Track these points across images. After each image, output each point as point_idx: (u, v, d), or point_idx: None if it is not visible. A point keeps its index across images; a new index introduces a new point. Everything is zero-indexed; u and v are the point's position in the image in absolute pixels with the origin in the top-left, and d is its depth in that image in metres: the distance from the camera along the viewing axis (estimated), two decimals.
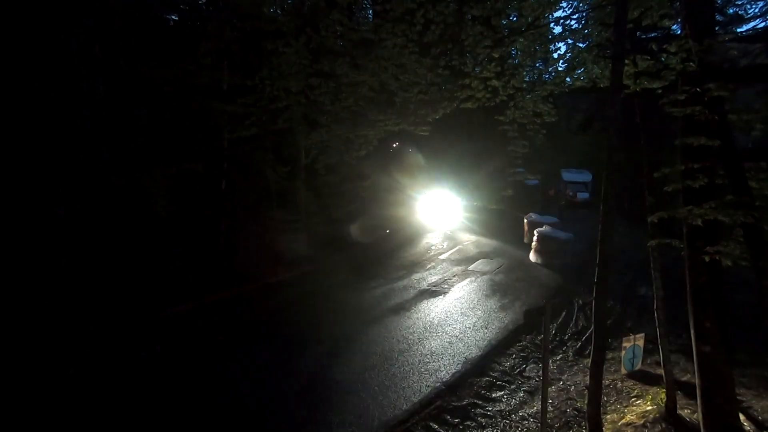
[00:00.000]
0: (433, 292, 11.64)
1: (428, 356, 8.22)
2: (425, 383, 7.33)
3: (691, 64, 4.74)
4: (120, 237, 9.77)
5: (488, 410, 6.73)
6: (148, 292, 9.26)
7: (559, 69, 7.95)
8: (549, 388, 5.65)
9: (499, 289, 11.97)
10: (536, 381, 7.39)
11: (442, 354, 8.34)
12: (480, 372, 7.85)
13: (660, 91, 5.63)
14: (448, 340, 8.91)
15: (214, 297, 9.93)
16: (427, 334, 9.13)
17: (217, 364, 7.82)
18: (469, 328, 9.50)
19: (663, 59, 6.06)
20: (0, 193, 8.27)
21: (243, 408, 6.49)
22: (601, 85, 6.78)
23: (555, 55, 7.51)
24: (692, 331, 4.93)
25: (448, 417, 6.53)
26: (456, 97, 6.60)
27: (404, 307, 10.57)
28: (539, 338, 6.63)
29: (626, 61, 5.24)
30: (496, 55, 6.67)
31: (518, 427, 6.27)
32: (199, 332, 8.88)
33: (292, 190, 14.10)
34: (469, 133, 21.28)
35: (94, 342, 7.85)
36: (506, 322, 9.78)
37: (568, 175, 24.38)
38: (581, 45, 6.80)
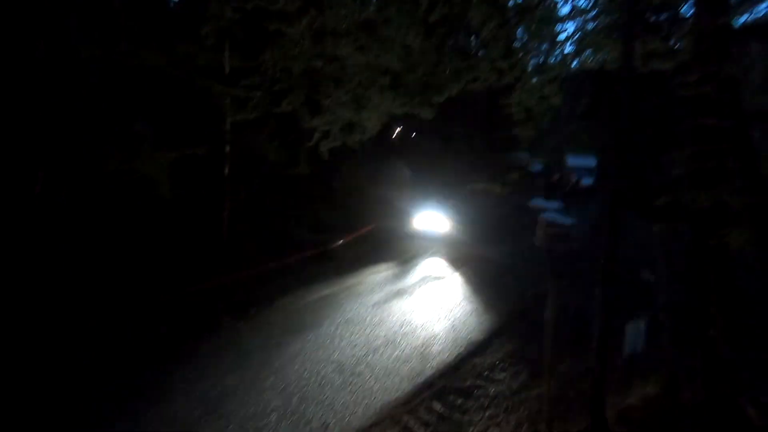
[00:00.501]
0: (435, 277, 11.67)
1: (432, 339, 8.29)
2: (428, 365, 7.41)
3: (704, 43, 4.63)
4: (123, 222, 9.80)
5: (491, 391, 6.80)
6: (151, 275, 9.30)
7: (566, 52, 7.82)
8: (552, 371, 5.70)
9: (502, 273, 11.99)
10: (539, 364, 7.43)
11: (445, 337, 8.40)
12: (483, 354, 7.91)
13: (671, 73, 5.52)
14: (451, 323, 8.97)
15: (218, 281, 9.97)
16: (431, 318, 9.18)
17: (222, 346, 7.90)
18: (473, 311, 9.55)
19: (674, 40, 5.94)
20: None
21: (248, 389, 6.57)
22: (610, 68, 6.67)
23: (562, 36, 7.37)
24: (697, 315, 4.94)
25: (451, 397, 6.61)
26: (462, 78, 6.50)
27: (407, 291, 10.61)
28: (543, 321, 6.68)
29: (636, 42, 5.13)
30: (503, 36, 6.54)
31: (520, 408, 6.35)
32: (204, 315, 8.94)
33: (295, 176, 14.04)
34: (473, 119, 21.09)
35: (99, 326, 7.90)
36: (510, 305, 9.82)
37: (573, 161, 24.17)
38: (590, 25, 6.66)
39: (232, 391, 6.46)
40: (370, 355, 7.67)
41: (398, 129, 18.93)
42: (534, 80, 7.34)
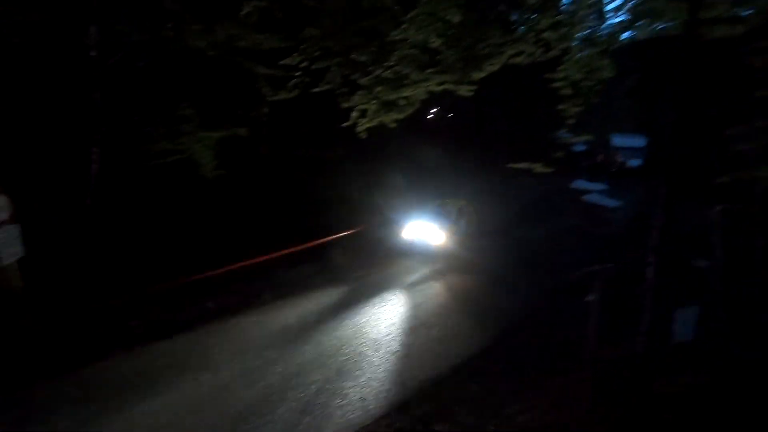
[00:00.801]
0: (467, 262, 11.48)
1: (465, 320, 8.25)
2: (463, 346, 7.39)
3: None
4: (168, 201, 10.31)
5: (527, 374, 6.71)
6: (195, 252, 9.74)
7: (619, 20, 7.32)
8: (595, 356, 5.53)
9: (539, 256, 11.71)
10: (578, 348, 7.25)
11: (477, 319, 8.35)
12: (517, 337, 7.81)
13: (738, 40, 5.06)
14: (484, 308, 8.89)
15: (256, 259, 10.30)
16: (463, 301, 9.12)
17: (263, 321, 8.18)
18: (505, 294, 9.42)
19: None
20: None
21: (288, 362, 6.81)
22: (669, 34, 6.19)
23: (616, 3, 6.86)
24: (759, 304, 4.62)
25: (486, 380, 6.58)
26: (505, 52, 6.24)
27: (441, 273, 10.57)
28: (585, 305, 6.49)
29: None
30: (550, 6, 6.20)
31: (561, 393, 6.22)
32: (246, 292, 9.29)
33: (330, 159, 14.14)
34: (512, 96, 20.36)
35: (147, 298, 8.34)
36: (547, 288, 9.60)
37: (619, 141, 23.01)
38: None
39: (273, 364, 6.72)
40: (407, 335, 7.75)
41: (435, 109, 18.60)
42: (582, 53, 6.93)
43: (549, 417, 5.73)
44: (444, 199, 13.03)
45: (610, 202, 13.70)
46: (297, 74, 7.32)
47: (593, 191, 14.38)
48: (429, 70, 7.01)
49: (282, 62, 7.43)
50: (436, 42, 6.67)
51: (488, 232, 13.58)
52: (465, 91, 7.44)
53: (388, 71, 6.87)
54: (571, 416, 5.53)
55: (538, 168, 7.68)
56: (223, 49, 9.68)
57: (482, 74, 6.83)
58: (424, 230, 11.76)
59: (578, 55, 6.72)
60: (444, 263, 11.36)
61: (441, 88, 7.53)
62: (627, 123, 26.10)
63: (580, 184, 15.73)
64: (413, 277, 10.62)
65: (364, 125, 8.28)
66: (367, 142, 9.55)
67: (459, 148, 19.43)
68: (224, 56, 9.92)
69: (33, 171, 8.76)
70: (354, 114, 8.04)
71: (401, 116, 7.95)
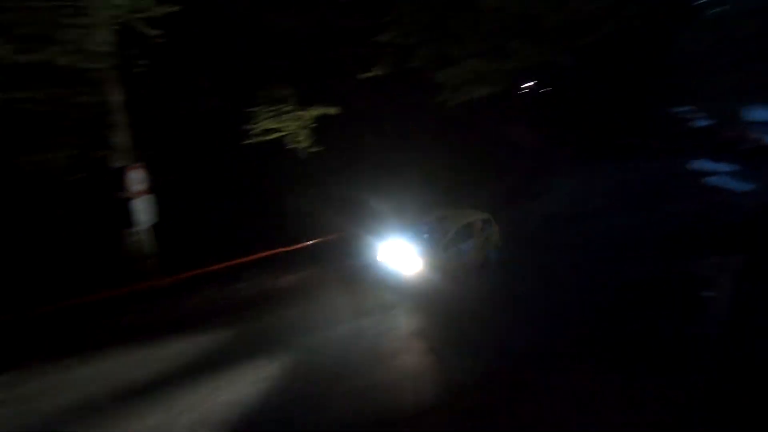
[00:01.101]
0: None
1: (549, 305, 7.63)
2: (526, 336, 7.02)
3: None
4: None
5: (624, 372, 6.17)
6: (281, 231, 10.50)
7: None
8: (718, 358, 4.89)
9: (630, 248, 10.45)
10: (687, 348, 6.44)
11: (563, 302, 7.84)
12: (612, 330, 7.19)
13: None
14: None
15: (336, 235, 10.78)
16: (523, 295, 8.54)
17: (320, 298, 8.51)
18: (603, 282, 8.64)
19: None
20: None
21: (381, 333, 7.06)
22: None
23: None
24: None
25: (547, 377, 6.20)
26: (620, 14, 5.57)
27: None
28: (705, 299, 5.65)
29: None
30: None
31: (669, 395, 5.62)
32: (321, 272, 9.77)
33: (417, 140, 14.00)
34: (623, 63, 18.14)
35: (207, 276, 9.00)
36: (643, 280, 8.59)
37: (754, 114, 19.48)
38: None
39: (363, 334, 7.05)
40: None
41: (530, 83, 17.40)
42: (715, 11, 5.95)
43: (650, 418, 5.28)
44: (445, 211, 9.24)
45: (738, 186, 11.78)
46: (388, 50, 7.36)
47: (719, 173, 12.47)
48: (529, 39, 6.56)
49: (374, 39, 7.51)
50: (537, 8, 6.18)
51: (569, 217, 11.92)
52: (565, 59, 6.87)
53: (483, 43, 6.57)
54: (680, 421, 5.03)
55: (647, 145, 6.86)
56: (318, 30, 10.04)
57: (590, 38, 6.21)
58: (399, 254, 8.31)
59: (710, 12, 5.78)
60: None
61: (539, 58, 7.04)
62: (765, 93, 21.92)
63: (702, 164, 13.73)
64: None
65: (454, 100, 8.09)
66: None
67: (549, 124, 17.98)
68: (318, 36, 10.29)
69: (164, 147, 10.08)
70: (446, 90, 7.90)
71: (494, 89, 7.63)
